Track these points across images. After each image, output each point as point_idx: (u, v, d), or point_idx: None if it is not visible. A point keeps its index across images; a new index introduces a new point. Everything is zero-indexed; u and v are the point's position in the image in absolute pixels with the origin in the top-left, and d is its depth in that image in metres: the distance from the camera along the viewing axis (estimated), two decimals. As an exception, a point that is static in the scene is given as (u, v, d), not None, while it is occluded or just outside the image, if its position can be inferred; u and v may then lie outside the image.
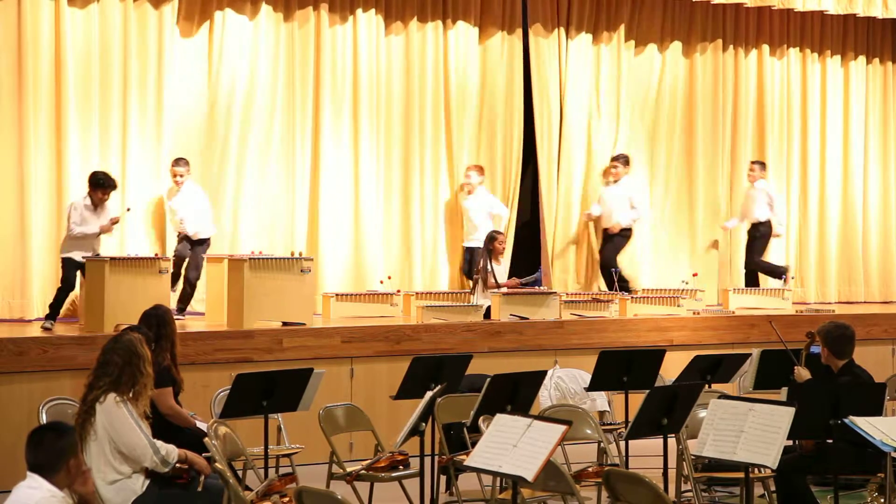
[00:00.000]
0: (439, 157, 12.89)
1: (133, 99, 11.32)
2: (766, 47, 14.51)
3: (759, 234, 13.59)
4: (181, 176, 10.99)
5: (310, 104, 12.22)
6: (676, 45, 13.99)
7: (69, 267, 9.86)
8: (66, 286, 9.90)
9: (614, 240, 13.01)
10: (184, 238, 10.92)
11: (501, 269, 11.66)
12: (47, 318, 9.82)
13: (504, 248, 11.84)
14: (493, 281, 11.29)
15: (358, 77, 12.42)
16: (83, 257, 9.75)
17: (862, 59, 15.07)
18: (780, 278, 13.45)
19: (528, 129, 13.33)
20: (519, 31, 13.23)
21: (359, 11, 12.39)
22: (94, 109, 11.13)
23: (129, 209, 10.49)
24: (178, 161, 11.08)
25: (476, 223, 12.42)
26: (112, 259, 9.47)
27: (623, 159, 13.17)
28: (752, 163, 13.80)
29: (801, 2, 13.51)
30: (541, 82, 13.31)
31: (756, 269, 13.60)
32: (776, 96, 14.57)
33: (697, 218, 14.11)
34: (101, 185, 9.87)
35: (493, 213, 12.49)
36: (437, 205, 12.87)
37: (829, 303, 14.45)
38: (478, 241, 12.17)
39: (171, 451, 6.22)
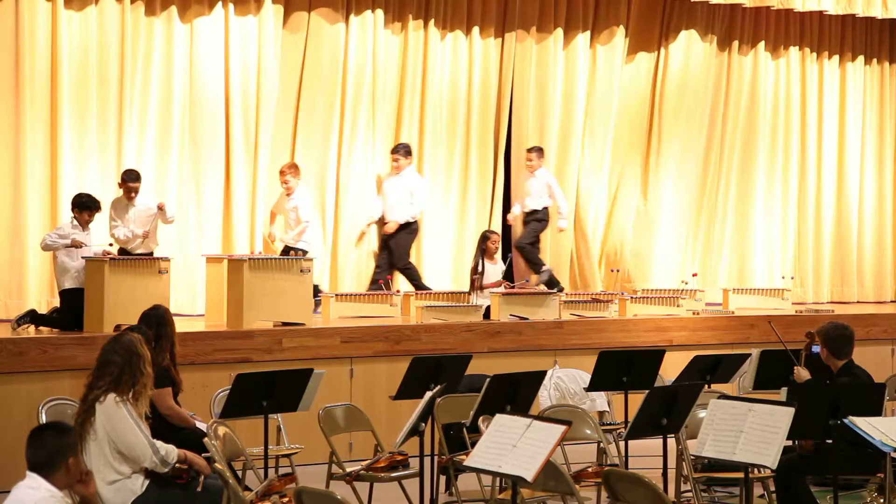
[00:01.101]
0: (439, 157, 12.89)
1: (130, 101, 11.32)
2: (764, 47, 14.51)
3: (534, 220, 12.62)
4: (135, 194, 10.36)
5: (312, 104, 12.20)
6: (675, 44, 13.98)
7: (75, 297, 9.53)
8: (69, 320, 9.51)
9: (399, 236, 12.05)
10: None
11: (497, 268, 11.63)
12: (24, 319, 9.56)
13: (497, 248, 11.70)
14: (483, 281, 11.28)
15: (358, 77, 12.40)
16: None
17: (860, 59, 15.09)
18: (537, 273, 12.42)
19: (525, 129, 13.35)
20: (517, 31, 13.21)
21: (355, 11, 12.40)
22: (91, 111, 11.13)
23: (110, 244, 10.02)
24: (132, 173, 10.41)
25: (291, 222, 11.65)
26: (112, 259, 9.45)
27: (404, 150, 12.16)
28: (529, 150, 12.61)
29: (801, 2, 13.51)
30: (533, 82, 13.30)
31: (521, 252, 12.59)
32: (774, 96, 14.57)
33: (696, 218, 14.10)
34: (86, 206, 9.69)
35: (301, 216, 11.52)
36: (437, 204, 12.86)
37: (825, 303, 14.47)
38: (304, 241, 11.44)
39: (171, 452, 6.22)
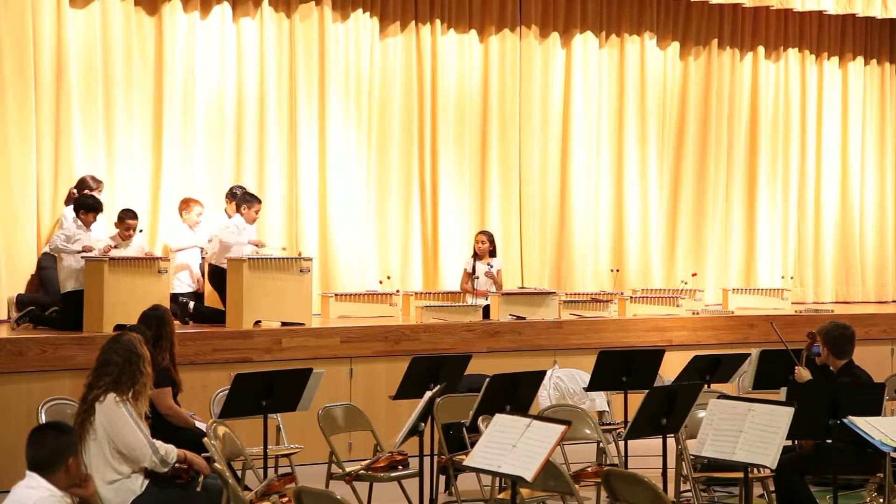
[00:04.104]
0: (440, 156, 12.88)
1: (133, 99, 11.32)
2: (763, 48, 14.51)
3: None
4: (133, 231, 10.02)
5: (314, 104, 12.20)
6: (674, 46, 13.99)
7: (77, 299, 9.47)
8: (69, 321, 9.44)
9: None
10: None
11: (485, 268, 11.55)
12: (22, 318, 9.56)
13: (484, 248, 11.51)
14: (475, 283, 11.28)
15: (360, 77, 12.41)
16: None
17: (860, 60, 15.08)
18: None
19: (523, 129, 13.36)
20: (517, 31, 13.22)
21: (359, 11, 12.39)
22: (97, 110, 11.11)
23: (140, 230, 10.04)
24: (131, 212, 10.09)
25: None
26: (111, 259, 9.44)
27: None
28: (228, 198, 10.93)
29: (800, 1, 13.50)
30: (535, 83, 13.30)
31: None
32: (773, 97, 14.57)
33: (694, 218, 14.10)
34: (91, 208, 9.67)
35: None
36: (436, 205, 12.86)
37: (825, 303, 14.47)
38: None
39: (171, 451, 6.22)
